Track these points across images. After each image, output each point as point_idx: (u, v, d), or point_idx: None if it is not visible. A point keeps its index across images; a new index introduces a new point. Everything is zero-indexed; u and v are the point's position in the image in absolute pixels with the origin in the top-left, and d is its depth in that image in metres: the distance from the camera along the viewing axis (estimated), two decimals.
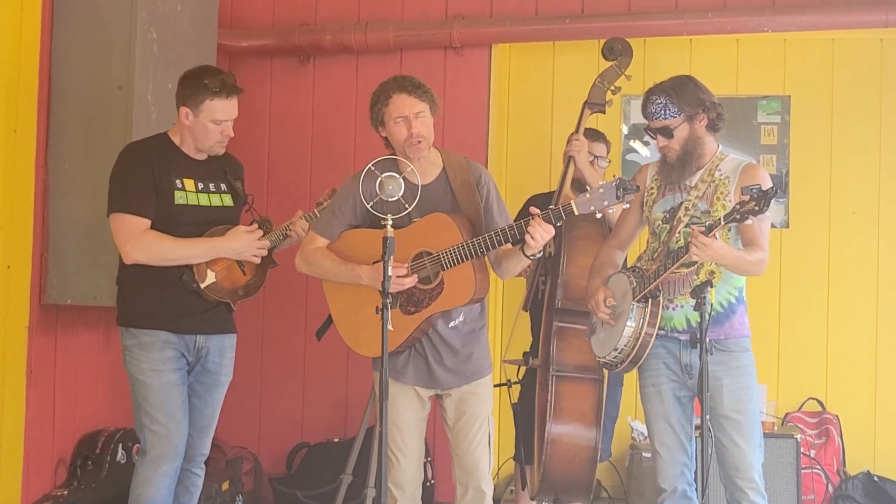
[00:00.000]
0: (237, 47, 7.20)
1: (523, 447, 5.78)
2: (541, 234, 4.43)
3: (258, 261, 4.92)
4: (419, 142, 4.67)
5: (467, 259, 4.57)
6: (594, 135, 5.98)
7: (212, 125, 4.80)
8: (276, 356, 7.28)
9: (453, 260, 4.58)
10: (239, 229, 4.89)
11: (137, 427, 4.85)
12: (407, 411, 4.80)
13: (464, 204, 4.75)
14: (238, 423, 7.05)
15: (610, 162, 6.10)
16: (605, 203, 4.38)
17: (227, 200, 4.98)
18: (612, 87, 5.79)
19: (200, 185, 4.88)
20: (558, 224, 4.45)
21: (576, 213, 4.41)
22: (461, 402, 4.80)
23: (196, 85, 4.78)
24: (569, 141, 5.81)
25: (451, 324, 4.75)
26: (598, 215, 4.45)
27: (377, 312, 4.29)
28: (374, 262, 4.57)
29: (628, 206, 4.54)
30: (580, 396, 5.50)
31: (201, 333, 4.86)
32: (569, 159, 5.75)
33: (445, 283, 4.63)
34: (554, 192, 5.82)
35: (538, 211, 4.44)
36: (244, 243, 4.86)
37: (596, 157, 5.94)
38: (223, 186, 4.97)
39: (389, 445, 4.75)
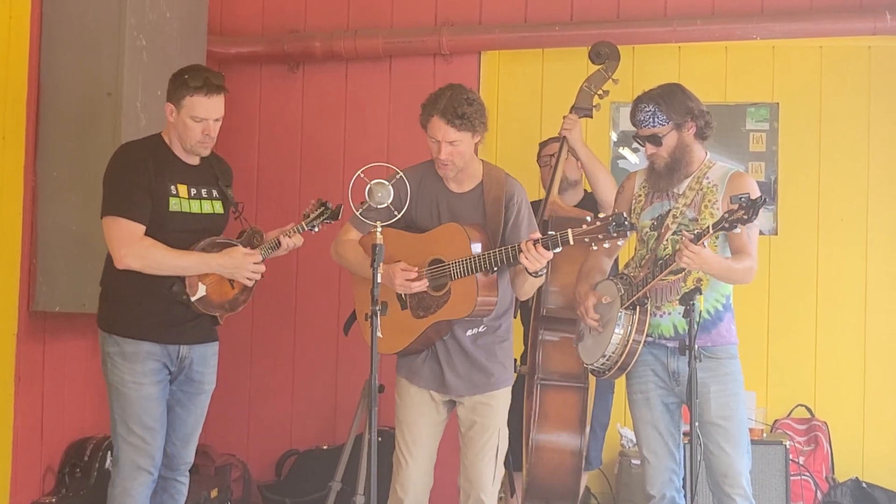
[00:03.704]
0: (226, 54, 7.20)
1: (511, 454, 5.78)
2: (534, 260, 4.45)
3: (249, 283, 4.87)
4: (445, 165, 4.74)
5: (472, 273, 4.61)
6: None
7: (191, 122, 4.73)
8: (265, 363, 7.27)
9: (460, 272, 4.62)
10: (238, 249, 4.84)
11: (113, 435, 4.80)
12: (421, 415, 4.85)
13: (490, 219, 4.80)
14: (227, 430, 7.04)
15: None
16: (600, 237, 4.37)
17: (218, 207, 4.94)
18: (600, 92, 5.79)
19: (193, 192, 4.84)
20: (555, 251, 4.46)
21: (571, 243, 4.41)
22: (473, 411, 4.84)
23: (178, 81, 4.75)
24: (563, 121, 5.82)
25: (470, 332, 4.80)
26: (594, 247, 4.42)
27: (366, 319, 4.31)
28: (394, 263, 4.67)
29: (622, 243, 4.54)
30: (565, 404, 5.50)
31: (185, 343, 4.82)
32: (562, 140, 5.75)
33: (452, 293, 4.69)
34: (542, 200, 5.81)
35: (538, 236, 4.46)
36: (239, 262, 4.81)
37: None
38: (214, 193, 4.93)
39: (400, 447, 4.83)
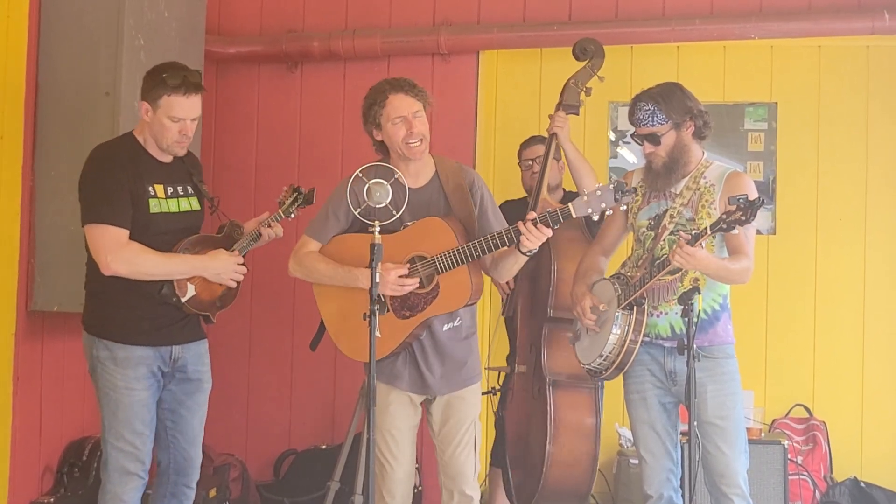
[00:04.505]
0: (225, 54, 7.20)
1: (498, 453, 5.81)
2: (535, 239, 4.45)
3: (233, 284, 4.83)
4: (420, 141, 4.69)
5: (463, 263, 4.58)
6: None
7: (168, 122, 4.66)
8: (264, 363, 7.27)
9: (449, 264, 4.59)
10: (221, 251, 4.80)
11: (102, 438, 4.77)
12: (400, 418, 4.81)
13: (456, 207, 4.76)
14: (225, 429, 7.04)
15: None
16: (603, 206, 4.40)
17: (195, 204, 4.88)
18: (585, 89, 5.79)
19: (170, 190, 4.78)
20: (556, 227, 4.47)
21: (574, 216, 4.44)
22: (448, 406, 4.81)
23: (155, 80, 4.68)
24: (550, 118, 5.81)
25: (447, 326, 4.77)
26: (595, 217, 4.46)
27: (364, 319, 4.30)
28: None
29: (626, 208, 4.54)
30: (579, 405, 5.53)
31: (177, 344, 4.78)
32: (551, 137, 5.75)
33: (441, 287, 4.65)
34: (529, 199, 5.80)
35: (535, 214, 4.46)
36: (224, 265, 4.77)
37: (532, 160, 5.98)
38: (189, 189, 4.87)
39: (383, 452, 4.77)
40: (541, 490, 5.49)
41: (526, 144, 6.13)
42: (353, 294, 4.69)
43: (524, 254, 4.56)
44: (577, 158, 5.74)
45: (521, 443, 5.67)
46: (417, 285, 4.65)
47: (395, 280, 4.58)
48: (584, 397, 5.54)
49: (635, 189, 4.67)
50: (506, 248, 4.59)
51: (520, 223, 4.48)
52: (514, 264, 4.72)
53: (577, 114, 5.81)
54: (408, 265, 4.64)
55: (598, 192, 4.40)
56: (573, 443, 5.49)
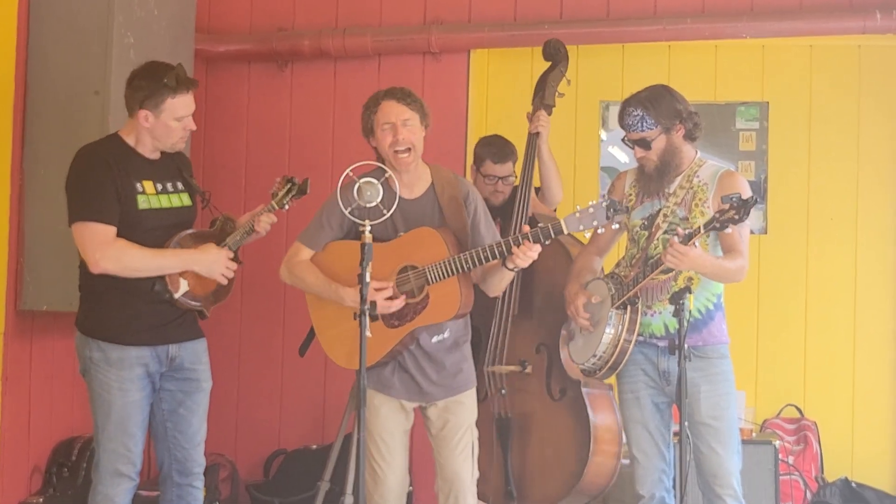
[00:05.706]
0: (214, 52, 7.18)
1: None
2: (528, 253, 4.45)
3: (224, 281, 4.78)
4: (406, 150, 4.66)
5: (453, 274, 4.57)
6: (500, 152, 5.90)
7: (174, 123, 4.65)
8: (254, 363, 7.25)
9: (439, 275, 4.58)
10: (211, 245, 4.76)
11: (94, 439, 4.74)
12: (391, 423, 4.79)
13: (451, 219, 4.75)
14: (215, 429, 6.94)
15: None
16: (595, 223, 4.38)
17: (186, 199, 4.84)
18: (559, 92, 5.78)
19: (159, 187, 4.73)
20: (546, 242, 4.45)
21: (565, 232, 4.43)
22: (445, 410, 4.80)
23: (154, 86, 4.63)
24: (531, 118, 5.75)
25: (436, 338, 4.75)
26: (587, 234, 4.45)
27: (355, 318, 4.28)
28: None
29: (617, 226, 4.53)
30: (607, 406, 5.53)
31: (173, 342, 4.74)
32: (534, 137, 5.71)
33: (431, 297, 4.63)
34: (519, 201, 5.74)
35: (528, 229, 4.45)
36: (215, 258, 4.73)
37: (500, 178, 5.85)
38: (180, 185, 4.83)
39: (375, 458, 4.75)
40: (573, 493, 5.46)
41: (498, 157, 5.84)
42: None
43: (510, 269, 4.56)
44: (551, 160, 5.74)
45: (533, 447, 5.59)
46: (404, 303, 4.63)
47: (382, 303, 4.56)
48: (607, 397, 5.53)
49: (627, 208, 4.67)
50: (496, 261, 4.58)
51: (510, 237, 4.49)
52: (501, 280, 4.73)
53: (549, 114, 5.79)
54: (393, 285, 4.63)
55: (591, 210, 4.39)
56: (609, 442, 5.49)
